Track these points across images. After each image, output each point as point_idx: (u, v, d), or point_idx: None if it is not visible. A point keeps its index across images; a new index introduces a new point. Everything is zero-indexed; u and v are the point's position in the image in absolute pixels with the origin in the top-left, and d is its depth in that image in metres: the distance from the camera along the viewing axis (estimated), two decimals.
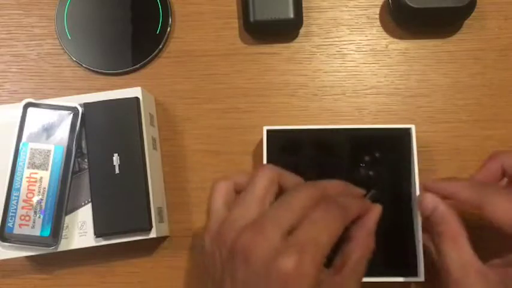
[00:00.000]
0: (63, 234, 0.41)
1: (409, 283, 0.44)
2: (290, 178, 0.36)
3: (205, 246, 0.34)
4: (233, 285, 0.31)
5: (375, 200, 0.38)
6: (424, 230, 0.41)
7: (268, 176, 0.34)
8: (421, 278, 0.41)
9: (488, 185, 0.37)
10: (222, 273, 0.32)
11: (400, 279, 0.41)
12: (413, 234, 0.42)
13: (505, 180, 0.39)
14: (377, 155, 0.44)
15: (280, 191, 0.35)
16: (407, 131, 0.43)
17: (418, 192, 0.41)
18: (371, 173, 0.44)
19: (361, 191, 0.39)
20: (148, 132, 0.44)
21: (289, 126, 0.44)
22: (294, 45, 0.50)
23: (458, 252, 0.34)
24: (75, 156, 0.42)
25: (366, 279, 0.38)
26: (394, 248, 0.42)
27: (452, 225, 0.35)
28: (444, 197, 0.36)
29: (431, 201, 0.36)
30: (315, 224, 0.31)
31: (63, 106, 0.42)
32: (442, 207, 0.35)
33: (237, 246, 0.31)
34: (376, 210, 0.37)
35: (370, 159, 0.44)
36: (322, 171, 0.44)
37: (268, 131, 0.43)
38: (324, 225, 0.31)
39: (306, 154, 0.44)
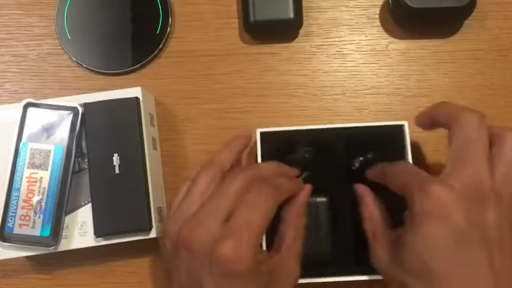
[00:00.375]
0: (63, 234, 0.41)
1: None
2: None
3: (160, 242, 0.38)
4: (179, 275, 0.34)
5: (307, 182, 0.41)
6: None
7: (209, 173, 0.37)
8: None
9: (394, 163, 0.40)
10: (169, 265, 0.36)
11: None
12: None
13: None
14: (371, 152, 0.45)
15: None
16: (401, 128, 0.43)
17: None
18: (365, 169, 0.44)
19: (295, 171, 0.41)
20: (148, 132, 0.44)
21: (283, 128, 0.44)
22: (294, 45, 0.50)
23: (370, 219, 0.40)
24: (75, 156, 0.42)
25: (360, 278, 0.41)
26: None
27: (364, 194, 0.40)
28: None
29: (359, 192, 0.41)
30: (248, 207, 0.34)
31: (63, 106, 0.42)
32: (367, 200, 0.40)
33: (179, 239, 0.34)
34: (306, 190, 0.39)
35: (364, 158, 0.44)
36: (317, 171, 0.44)
37: (261, 133, 0.43)
38: (256, 207, 0.34)
39: (300, 154, 0.44)
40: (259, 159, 0.43)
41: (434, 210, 0.32)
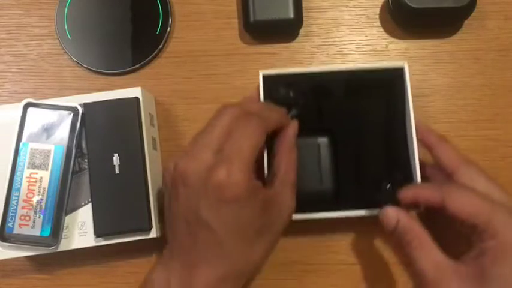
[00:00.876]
0: (63, 234, 0.41)
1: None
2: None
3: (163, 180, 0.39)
4: (178, 209, 0.36)
5: (294, 118, 0.42)
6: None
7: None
8: (421, 208, 0.41)
9: (446, 183, 0.39)
10: (169, 200, 0.37)
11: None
12: (410, 170, 0.42)
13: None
14: (372, 95, 0.45)
15: None
16: (401, 70, 0.43)
17: (413, 127, 0.42)
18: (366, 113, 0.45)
19: (283, 109, 0.42)
20: (148, 132, 0.44)
21: (285, 70, 0.44)
22: (294, 45, 0.50)
23: (429, 255, 0.35)
24: (75, 156, 0.42)
25: (368, 213, 0.41)
26: (392, 180, 0.42)
27: (417, 231, 0.36)
28: (410, 203, 0.38)
29: (392, 215, 0.37)
30: (237, 136, 0.35)
31: (63, 106, 0.42)
32: (404, 218, 0.37)
33: (176, 173, 0.36)
34: (294, 124, 0.40)
35: (365, 100, 0.45)
36: (318, 115, 0.45)
37: (264, 76, 0.43)
38: (246, 136, 0.36)
39: (302, 98, 0.45)
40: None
41: None
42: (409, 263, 0.36)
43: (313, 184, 0.44)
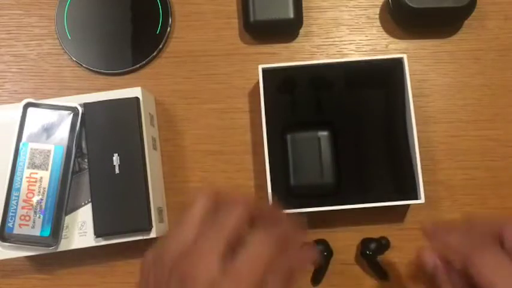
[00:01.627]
0: (63, 234, 0.41)
1: (407, 207, 0.46)
2: (226, 197, 0.35)
3: (144, 261, 0.34)
4: None
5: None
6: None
7: (203, 202, 0.34)
8: (421, 200, 0.42)
9: (478, 241, 0.34)
10: (146, 278, 0.33)
11: (402, 202, 0.42)
12: (410, 161, 0.43)
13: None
14: (372, 87, 0.45)
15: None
16: (400, 61, 0.44)
17: (413, 119, 0.42)
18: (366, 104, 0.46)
19: (301, 235, 0.37)
20: (148, 132, 0.44)
21: (284, 64, 0.45)
22: (294, 45, 0.49)
23: None
24: (75, 156, 0.42)
25: (369, 205, 0.41)
26: (393, 174, 0.44)
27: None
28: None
29: (430, 260, 0.35)
30: (252, 256, 0.31)
31: (63, 106, 0.42)
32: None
33: (176, 270, 0.31)
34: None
35: (365, 92, 0.45)
36: (318, 108, 0.45)
37: (263, 70, 0.44)
38: (261, 259, 0.31)
39: (301, 92, 0.45)
40: (261, 97, 0.43)
41: None
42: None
43: (314, 178, 0.44)
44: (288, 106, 0.43)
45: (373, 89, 0.46)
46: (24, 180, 0.41)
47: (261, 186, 0.47)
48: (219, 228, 0.32)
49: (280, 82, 0.45)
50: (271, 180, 0.42)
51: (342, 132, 0.45)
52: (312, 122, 0.44)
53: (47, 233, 0.41)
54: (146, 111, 0.44)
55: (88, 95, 0.43)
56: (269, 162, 0.42)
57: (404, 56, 0.43)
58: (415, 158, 0.42)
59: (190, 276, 0.31)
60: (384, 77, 0.45)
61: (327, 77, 0.45)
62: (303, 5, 0.48)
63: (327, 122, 0.45)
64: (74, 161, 0.42)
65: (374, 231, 0.46)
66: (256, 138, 0.48)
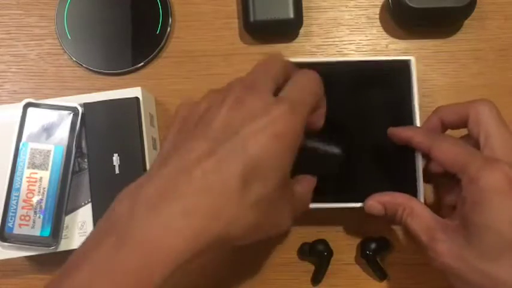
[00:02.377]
0: (63, 234, 0.41)
1: None
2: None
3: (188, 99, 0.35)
4: (211, 125, 0.30)
5: None
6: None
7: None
8: (421, 200, 0.42)
9: (438, 133, 0.41)
10: (199, 117, 0.32)
11: None
12: (413, 161, 0.43)
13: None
14: (378, 88, 0.45)
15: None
16: (407, 63, 0.44)
17: (418, 121, 0.43)
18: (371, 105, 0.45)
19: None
20: (148, 132, 0.44)
21: (292, 59, 0.44)
22: (294, 45, 0.49)
23: (420, 219, 0.37)
24: (75, 156, 0.42)
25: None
26: (394, 174, 0.44)
27: (404, 201, 0.38)
28: (402, 141, 0.40)
29: (376, 205, 0.40)
30: (301, 88, 0.33)
31: (63, 106, 0.42)
32: (387, 199, 0.39)
33: (230, 94, 0.31)
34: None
35: (371, 91, 0.45)
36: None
37: None
38: (309, 90, 0.34)
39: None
40: None
41: (508, 187, 0.32)
42: (406, 230, 0.39)
43: (318, 175, 0.44)
44: None
45: (379, 89, 0.46)
46: (24, 180, 0.41)
47: None
48: (266, 68, 0.34)
49: None
50: None
51: (347, 131, 0.45)
52: None
53: (47, 233, 0.41)
54: (146, 111, 0.44)
55: (88, 95, 0.43)
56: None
57: (412, 58, 0.43)
58: (417, 158, 0.42)
59: (243, 98, 0.31)
60: (391, 78, 0.45)
61: (333, 75, 0.45)
62: (303, 5, 0.48)
63: (331, 120, 0.45)
64: (74, 161, 0.42)
65: (374, 231, 0.46)
66: None
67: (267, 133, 0.29)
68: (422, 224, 0.36)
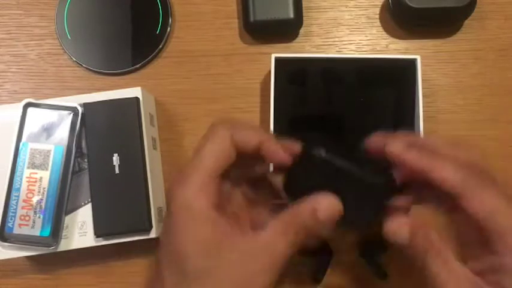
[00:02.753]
0: (63, 234, 0.41)
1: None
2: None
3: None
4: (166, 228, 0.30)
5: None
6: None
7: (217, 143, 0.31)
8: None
9: (470, 173, 0.31)
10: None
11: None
12: None
13: None
14: (383, 85, 0.46)
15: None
16: (413, 62, 0.44)
17: (421, 120, 0.43)
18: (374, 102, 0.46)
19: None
20: (148, 132, 0.44)
21: (298, 55, 0.45)
22: (294, 45, 0.49)
23: (448, 267, 0.30)
24: (75, 156, 0.42)
25: None
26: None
27: (435, 243, 0.31)
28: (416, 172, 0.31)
29: (406, 228, 0.32)
30: (200, 148, 0.31)
31: (63, 106, 0.42)
32: (421, 231, 0.31)
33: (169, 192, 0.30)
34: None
35: (375, 90, 0.46)
36: (329, 101, 0.45)
37: (276, 60, 0.44)
38: (206, 144, 0.31)
39: (313, 84, 0.45)
40: (272, 87, 0.44)
41: None
42: (423, 268, 0.31)
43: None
44: (299, 99, 0.43)
45: (384, 87, 0.46)
46: (24, 180, 0.41)
47: None
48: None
49: (291, 74, 0.45)
50: None
51: (350, 127, 0.45)
52: (320, 114, 0.44)
53: (47, 233, 0.41)
54: (146, 111, 0.44)
55: (88, 95, 0.43)
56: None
57: (418, 57, 0.44)
58: None
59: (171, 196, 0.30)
60: (395, 77, 0.45)
61: (339, 71, 0.45)
62: (303, 5, 0.48)
63: (335, 116, 0.45)
64: (74, 161, 0.42)
65: (374, 231, 0.46)
66: None
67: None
68: (448, 270, 0.30)
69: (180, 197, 0.29)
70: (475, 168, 0.31)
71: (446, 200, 0.31)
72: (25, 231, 0.41)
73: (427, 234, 0.31)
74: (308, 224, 0.29)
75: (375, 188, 0.30)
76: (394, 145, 0.32)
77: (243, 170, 0.33)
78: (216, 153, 0.30)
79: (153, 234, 0.41)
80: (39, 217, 0.41)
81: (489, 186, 0.30)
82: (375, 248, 0.44)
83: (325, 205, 0.30)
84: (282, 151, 0.31)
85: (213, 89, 0.49)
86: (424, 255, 0.31)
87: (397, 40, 0.49)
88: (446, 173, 0.29)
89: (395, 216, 0.32)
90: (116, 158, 0.42)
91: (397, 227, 0.31)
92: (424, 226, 0.31)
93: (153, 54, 0.49)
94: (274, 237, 0.29)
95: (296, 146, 0.31)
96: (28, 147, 0.42)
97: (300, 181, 0.31)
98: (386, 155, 0.32)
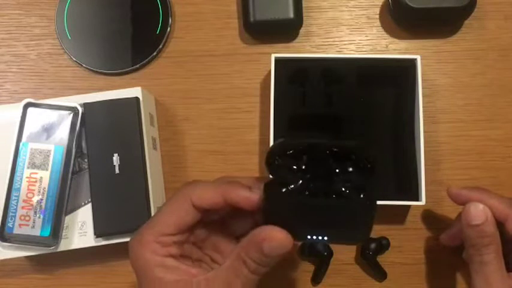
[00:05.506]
0: (63, 234, 0.41)
1: (408, 207, 0.46)
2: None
3: None
4: None
5: None
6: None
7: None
8: (422, 201, 0.42)
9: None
10: None
11: (402, 202, 0.43)
12: (414, 161, 0.43)
13: None
14: (383, 85, 0.46)
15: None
16: (413, 62, 0.44)
17: (421, 121, 0.43)
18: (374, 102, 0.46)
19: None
20: (148, 132, 0.44)
21: (298, 55, 0.45)
22: (294, 45, 0.49)
23: (500, 265, 0.35)
24: (75, 156, 0.42)
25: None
26: (395, 174, 0.44)
27: (497, 239, 0.36)
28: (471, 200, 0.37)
29: (483, 211, 0.36)
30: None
31: (63, 106, 0.42)
32: (492, 219, 0.36)
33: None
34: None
35: (375, 90, 0.46)
36: (329, 101, 0.45)
37: (276, 60, 0.44)
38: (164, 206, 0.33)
39: (313, 84, 0.45)
40: (272, 87, 0.44)
41: None
42: (472, 260, 0.36)
43: None
44: (298, 99, 0.43)
45: (384, 87, 0.46)
46: (24, 180, 0.41)
47: None
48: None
49: (291, 74, 0.45)
50: None
51: (349, 127, 0.45)
52: (320, 114, 0.44)
53: (47, 233, 0.41)
54: (146, 111, 0.44)
55: (88, 95, 0.43)
56: None
57: (418, 57, 0.44)
58: (420, 159, 0.42)
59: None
60: (395, 77, 0.45)
61: (339, 71, 0.45)
62: (303, 5, 0.48)
63: (335, 115, 0.45)
64: (74, 161, 0.42)
65: (374, 231, 0.46)
66: (257, 137, 0.48)
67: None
68: (499, 273, 0.36)
69: (139, 256, 0.32)
70: None
71: None
72: (25, 231, 0.41)
73: (495, 228, 0.36)
74: (257, 259, 0.30)
75: (354, 210, 0.29)
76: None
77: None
78: (169, 213, 0.32)
79: None
80: (39, 217, 0.41)
81: None
82: (375, 248, 0.44)
83: (270, 239, 0.29)
84: (246, 194, 0.31)
85: (213, 89, 0.49)
86: (482, 244, 0.35)
87: (397, 40, 0.49)
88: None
89: (479, 204, 0.36)
90: (116, 158, 0.42)
91: (477, 208, 0.36)
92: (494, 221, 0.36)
93: (153, 54, 0.49)
94: (227, 273, 0.31)
95: (257, 185, 0.31)
96: (28, 147, 0.42)
97: (273, 212, 0.30)
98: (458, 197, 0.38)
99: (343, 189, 0.28)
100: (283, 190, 0.28)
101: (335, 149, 0.29)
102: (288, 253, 0.31)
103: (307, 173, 0.28)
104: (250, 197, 0.31)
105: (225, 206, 0.32)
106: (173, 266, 0.31)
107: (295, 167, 0.28)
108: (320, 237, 0.30)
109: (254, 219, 0.33)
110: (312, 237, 0.30)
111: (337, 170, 0.28)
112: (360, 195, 0.28)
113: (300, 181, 0.28)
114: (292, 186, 0.28)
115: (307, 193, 0.28)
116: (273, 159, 0.29)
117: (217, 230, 0.34)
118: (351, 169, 0.28)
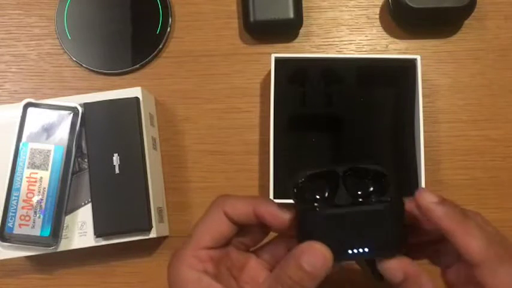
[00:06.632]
0: (63, 234, 0.41)
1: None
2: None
3: None
4: None
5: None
6: None
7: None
8: None
9: (466, 215, 0.30)
10: None
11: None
12: (414, 162, 0.43)
13: None
14: (383, 85, 0.46)
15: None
16: (413, 62, 0.44)
17: (421, 121, 0.43)
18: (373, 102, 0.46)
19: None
20: (148, 132, 0.44)
21: (298, 55, 0.45)
22: (294, 45, 0.49)
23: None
24: (75, 156, 0.42)
25: None
26: (396, 173, 0.44)
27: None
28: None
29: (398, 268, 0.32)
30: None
31: (63, 106, 0.42)
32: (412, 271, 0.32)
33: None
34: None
35: (375, 90, 0.46)
36: (329, 101, 0.45)
37: (276, 60, 0.44)
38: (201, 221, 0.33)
39: (313, 84, 0.45)
40: (272, 87, 0.44)
41: None
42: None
43: None
44: (299, 99, 0.43)
45: (384, 87, 0.46)
46: (24, 180, 0.41)
47: (262, 186, 0.47)
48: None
49: (291, 74, 0.45)
50: (273, 178, 0.42)
51: (349, 127, 0.45)
52: (320, 114, 0.45)
53: (47, 233, 0.41)
54: (146, 111, 0.44)
55: (88, 95, 0.43)
56: (273, 156, 0.42)
57: (418, 57, 0.44)
58: (420, 159, 0.42)
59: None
60: (395, 77, 0.45)
61: (339, 71, 0.45)
62: (303, 5, 0.48)
63: (334, 116, 0.46)
64: (74, 161, 0.42)
65: None
66: (257, 137, 0.48)
67: None
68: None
69: (176, 272, 0.31)
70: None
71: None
72: (25, 231, 0.41)
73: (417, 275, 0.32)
74: (295, 277, 0.29)
75: (382, 216, 0.29)
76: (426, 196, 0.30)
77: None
78: (204, 225, 0.32)
79: (153, 234, 0.41)
80: (39, 217, 0.41)
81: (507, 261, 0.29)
82: None
83: (308, 254, 0.29)
84: (276, 210, 0.31)
85: (213, 89, 0.49)
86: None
87: (397, 40, 0.49)
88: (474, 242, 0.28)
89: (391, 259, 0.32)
90: (116, 158, 0.42)
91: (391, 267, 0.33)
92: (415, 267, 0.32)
93: (153, 54, 0.49)
94: None
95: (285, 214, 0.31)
96: (28, 147, 0.42)
97: (308, 231, 0.30)
98: (417, 205, 0.30)
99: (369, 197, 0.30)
100: (315, 204, 0.29)
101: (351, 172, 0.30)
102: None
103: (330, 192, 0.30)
104: (279, 214, 0.31)
105: (256, 220, 0.31)
106: (207, 285, 0.30)
107: (318, 189, 0.30)
108: (361, 250, 0.30)
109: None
110: (352, 251, 0.30)
111: (359, 192, 0.30)
112: (387, 199, 0.29)
113: (327, 193, 0.30)
114: (322, 200, 0.30)
115: (336, 202, 0.29)
116: (296, 183, 0.30)
117: (257, 265, 0.34)
118: (372, 189, 0.30)
